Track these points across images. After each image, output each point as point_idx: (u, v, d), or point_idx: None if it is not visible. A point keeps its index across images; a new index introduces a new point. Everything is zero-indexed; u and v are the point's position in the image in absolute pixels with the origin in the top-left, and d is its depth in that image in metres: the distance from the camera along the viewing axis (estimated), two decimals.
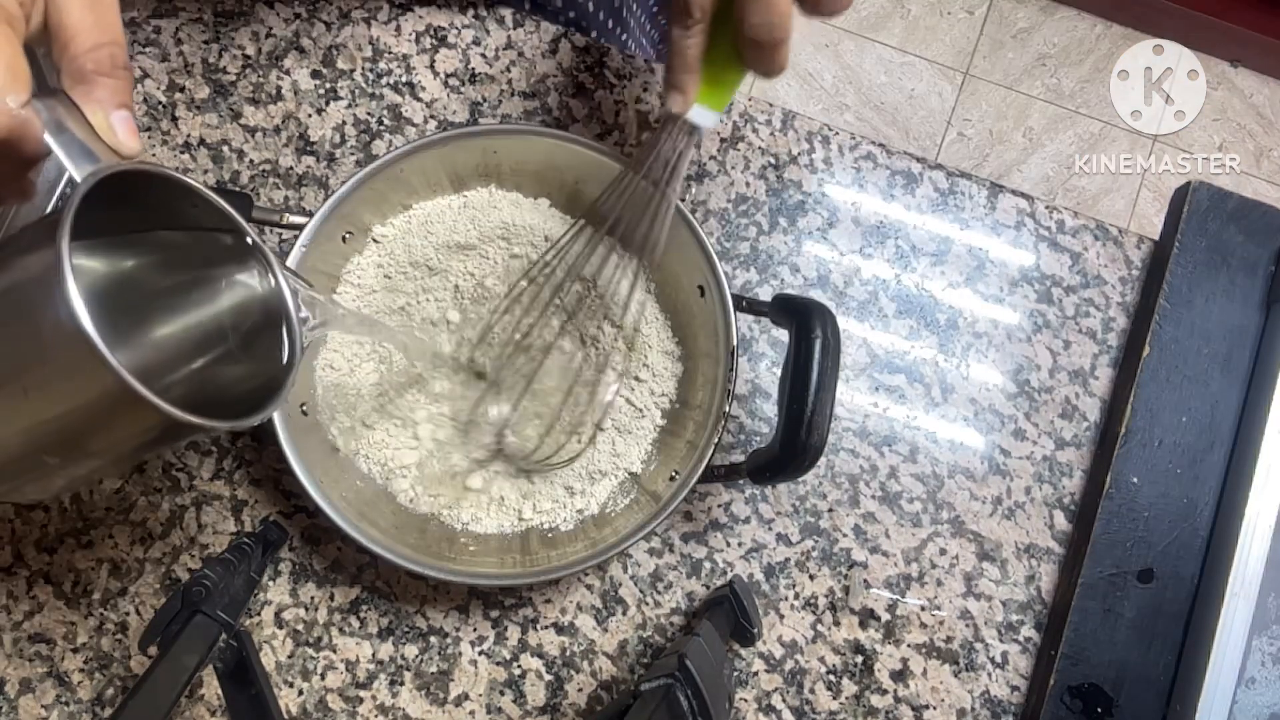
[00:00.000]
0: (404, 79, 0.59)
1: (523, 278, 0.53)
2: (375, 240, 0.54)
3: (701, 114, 0.46)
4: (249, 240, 0.39)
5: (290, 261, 0.50)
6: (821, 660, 0.55)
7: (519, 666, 0.54)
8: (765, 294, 0.58)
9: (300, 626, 0.53)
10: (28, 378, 0.32)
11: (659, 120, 0.49)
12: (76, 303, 0.29)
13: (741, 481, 0.56)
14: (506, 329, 0.54)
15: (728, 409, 0.50)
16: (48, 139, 0.32)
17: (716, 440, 0.50)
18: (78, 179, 0.32)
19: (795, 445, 0.45)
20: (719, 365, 0.51)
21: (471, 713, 0.53)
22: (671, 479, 0.52)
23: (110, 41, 0.34)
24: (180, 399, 0.32)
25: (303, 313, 0.40)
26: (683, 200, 0.54)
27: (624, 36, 0.72)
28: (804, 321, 0.46)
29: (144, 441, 0.37)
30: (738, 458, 0.56)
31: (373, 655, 0.53)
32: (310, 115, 0.58)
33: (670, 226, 0.49)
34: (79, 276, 0.30)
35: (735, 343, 0.51)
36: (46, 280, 0.30)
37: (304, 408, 0.51)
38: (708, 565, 0.55)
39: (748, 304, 0.52)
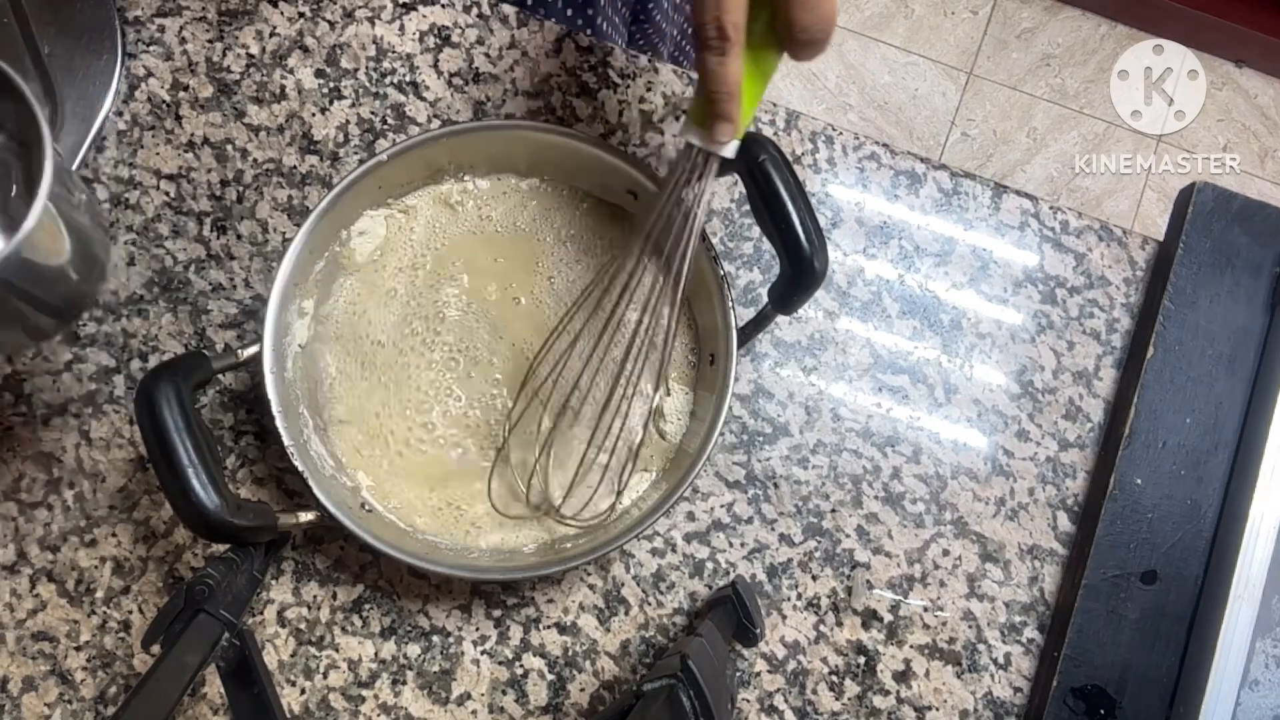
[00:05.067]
0: (408, 78, 0.59)
1: (566, 316, 0.52)
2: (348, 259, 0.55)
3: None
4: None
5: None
6: (824, 661, 0.55)
7: (521, 666, 0.54)
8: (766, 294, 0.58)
9: (303, 625, 0.53)
10: None
11: (680, 151, 0.47)
12: None
13: (761, 349, 0.56)
14: (547, 366, 0.53)
15: (735, 322, 0.51)
16: None
17: (735, 359, 0.51)
18: None
19: (802, 260, 0.46)
20: (714, 295, 0.52)
21: (474, 712, 0.53)
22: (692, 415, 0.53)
23: None
24: None
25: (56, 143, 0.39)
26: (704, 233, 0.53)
27: (600, 20, 0.71)
28: (747, 153, 0.46)
29: None
30: (740, 457, 0.56)
31: (375, 654, 0.53)
32: (314, 114, 0.58)
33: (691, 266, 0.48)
34: None
35: (724, 272, 0.51)
36: None
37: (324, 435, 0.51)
38: (710, 565, 0.55)
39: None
